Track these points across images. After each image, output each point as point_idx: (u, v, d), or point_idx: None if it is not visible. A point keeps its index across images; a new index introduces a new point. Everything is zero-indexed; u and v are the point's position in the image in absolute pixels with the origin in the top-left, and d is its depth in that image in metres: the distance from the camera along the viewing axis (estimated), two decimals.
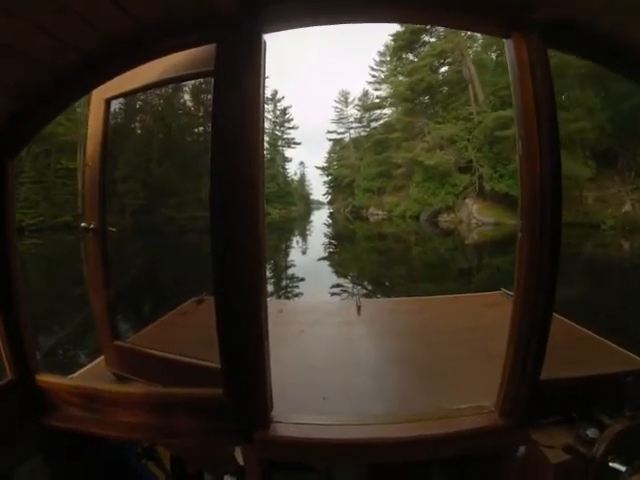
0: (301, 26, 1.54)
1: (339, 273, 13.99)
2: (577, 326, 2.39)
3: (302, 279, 12.45)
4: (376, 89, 46.25)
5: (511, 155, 25.51)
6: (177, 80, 1.79)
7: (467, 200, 30.78)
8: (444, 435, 1.48)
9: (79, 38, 1.35)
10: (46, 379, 1.70)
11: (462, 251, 20.23)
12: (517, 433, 1.47)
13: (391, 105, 43.96)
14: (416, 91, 36.23)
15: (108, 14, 1.26)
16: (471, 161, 30.62)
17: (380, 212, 41.38)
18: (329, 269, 15.09)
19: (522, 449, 1.44)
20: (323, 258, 17.89)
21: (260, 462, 1.52)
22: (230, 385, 1.50)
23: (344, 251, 21.69)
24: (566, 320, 2.41)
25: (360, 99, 51.00)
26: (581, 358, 1.85)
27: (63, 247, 19.46)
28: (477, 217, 29.21)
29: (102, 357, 2.07)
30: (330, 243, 25.82)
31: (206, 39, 1.46)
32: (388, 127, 42.46)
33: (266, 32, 1.45)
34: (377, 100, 46.71)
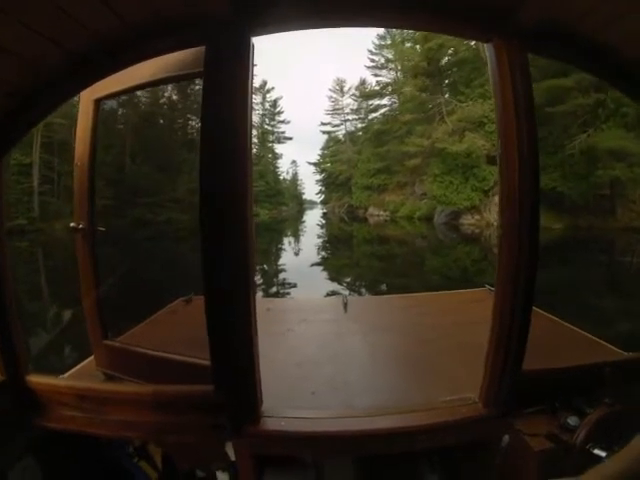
0: (290, 30, 1.72)
1: (334, 279, 14.12)
2: (559, 320, 2.65)
3: (294, 285, 12.61)
4: (376, 75, 46.06)
5: (563, 139, 22.30)
6: (167, 81, 1.98)
7: (497, 198, 27.37)
8: (430, 426, 1.70)
9: (69, 38, 1.50)
10: (36, 380, 1.88)
11: (491, 262, 17.25)
12: (501, 423, 1.69)
13: (393, 92, 43.26)
14: (434, 61, 33.37)
15: (98, 15, 1.42)
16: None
17: (381, 212, 40.73)
18: (323, 274, 15.20)
19: (506, 438, 1.66)
20: (317, 264, 17.93)
21: (251, 457, 1.72)
22: (220, 381, 1.70)
23: (340, 256, 21.47)
24: (547, 314, 2.67)
25: (357, 88, 50.80)
26: (562, 350, 2.09)
27: (15, 256, 19.12)
28: None
29: (92, 357, 2.28)
30: (325, 247, 25.61)
31: (196, 41, 1.64)
32: (390, 117, 41.89)
33: (255, 35, 1.63)
34: (377, 88, 46.41)
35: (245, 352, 1.67)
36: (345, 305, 3.43)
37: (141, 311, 2.84)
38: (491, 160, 27.06)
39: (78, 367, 2.32)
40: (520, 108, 1.60)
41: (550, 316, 2.79)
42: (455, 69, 33.54)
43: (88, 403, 1.82)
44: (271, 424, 1.71)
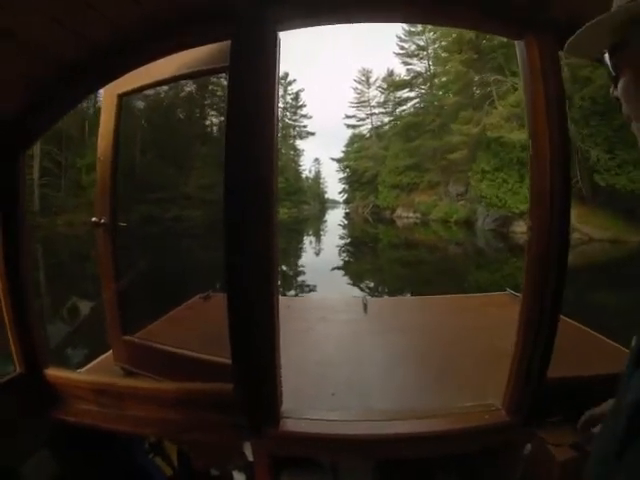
0: (317, 24, 1.87)
1: (355, 284, 14.22)
2: (582, 327, 2.76)
3: (313, 289, 12.82)
4: (406, 63, 45.47)
5: None
6: (191, 76, 2.13)
7: None
8: (451, 432, 1.81)
9: (94, 32, 1.64)
10: (55, 373, 2.06)
11: None
12: (524, 431, 1.78)
13: (426, 82, 42.55)
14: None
15: (123, 8, 1.55)
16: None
17: (411, 214, 40.19)
18: (345, 279, 15.30)
19: (528, 447, 1.75)
20: (338, 267, 18.01)
21: (269, 457, 1.84)
22: (241, 380, 1.83)
23: (363, 261, 21.37)
24: (571, 321, 2.76)
25: (384, 79, 50.41)
26: (588, 358, 2.17)
27: None
28: (579, 229, 21.90)
29: (110, 352, 2.46)
30: (347, 250, 25.53)
31: (221, 35, 1.76)
32: (422, 109, 41.34)
33: (282, 30, 1.74)
34: (407, 77, 46.03)
35: (267, 351, 1.78)
36: (365, 306, 3.66)
37: (154, 309, 3.00)
38: None
39: (96, 361, 2.51)
40: (552, 106, 1.68)
41: (576, 323, 2.90)
42: (504, 49, 29.75)
43: (106, 398, 1.98)
44: (291, 425, 1.84)
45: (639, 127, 0.66)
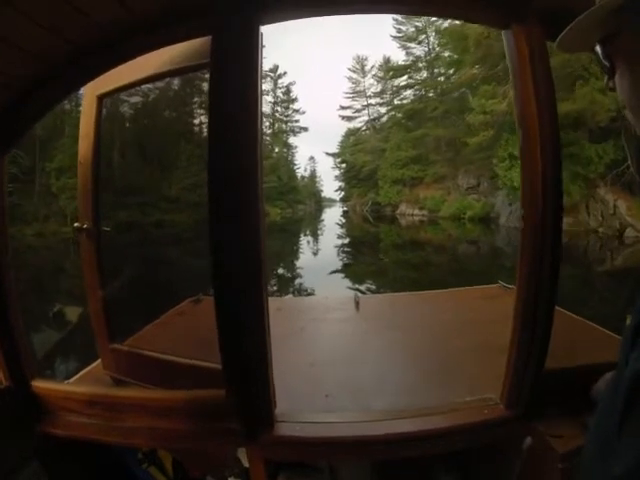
0: (301, 17, 1.95)
1: (356, 289, 14.30)
2: (577, 317, 2.97)
3: (312, 293, 13.03)
4: (404, 47, 45.80)
5: None
6: (173, 74, 2.23)
7: (603, 191, 21.98)
8: (449, 428, 1.93)
9: (72, 29, 1.70)
10: (42, 385, 2.16)
11: (593, 285, 13.92)
12: (523, 424, 1.90)
13: (420, 70, 42.38)
14: None
15: (102, 5, 1.62)
16: (615, 118, 20.40)
17: (416, 211, 40.12)
18: (344, 282, 15.41)
19: (528, 439, 1.87)
20: (337, 271, 18.10)
21: (265, 462, 1.94)
22: (232, 385, 1.93)
23: (363, 262, 21.42)
24: (566, 311, 2.93)
25: (380, 68, 50.75)
26: (585, 348, 2.30)
27: None
28: (633, 224, 20.40)
29: (99, 361, 2.58)
30: (346, 251, 25.55)
31: (202, 31, 1.84)
32: (424, 97, 41.59)
33: (264, 24, 1.83)
34: (405, 62, 46.16)
35: (258, 354, 1.88)
36: (357, 304, 3.84)
37: (142, 316, 3.10)
38: (595, 135, 21.19)
39: (85, 371, 2.62)
40: (541, 97, 1.79)
41: (570, 314, 3.06)
42: None
43: (96, 409, 2.07)
44: (285, 429, 1.94)
45: (633, 115, 0.75)
